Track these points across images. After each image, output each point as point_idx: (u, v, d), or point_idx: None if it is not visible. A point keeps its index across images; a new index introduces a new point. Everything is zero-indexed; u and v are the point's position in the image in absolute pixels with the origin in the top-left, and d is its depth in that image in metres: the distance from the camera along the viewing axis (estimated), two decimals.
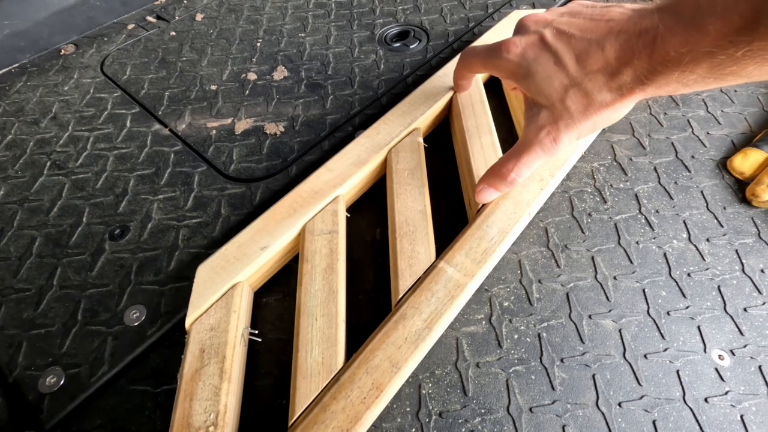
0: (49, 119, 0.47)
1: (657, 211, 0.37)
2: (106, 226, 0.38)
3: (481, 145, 0.37)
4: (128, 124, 0.46)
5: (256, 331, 0.31)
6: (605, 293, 0.32)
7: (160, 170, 0.42)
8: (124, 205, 0.39)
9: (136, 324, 0.32)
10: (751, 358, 0.30)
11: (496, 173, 0.30)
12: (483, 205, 0.33)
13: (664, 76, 0.23)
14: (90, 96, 0.49)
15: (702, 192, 0.38)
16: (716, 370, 0.29)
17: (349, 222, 0.36)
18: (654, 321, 0.31)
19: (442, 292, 0.29)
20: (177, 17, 0.60)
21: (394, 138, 0.38)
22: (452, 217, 0.36)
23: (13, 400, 0.30)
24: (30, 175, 0.42)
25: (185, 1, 0.63)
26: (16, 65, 0.54)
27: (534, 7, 0.56)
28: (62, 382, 0.30)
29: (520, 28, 0.30)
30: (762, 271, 0.33)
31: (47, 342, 0.32)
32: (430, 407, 0.28)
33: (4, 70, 0.54)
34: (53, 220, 0.38)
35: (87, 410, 0.29)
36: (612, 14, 0.25)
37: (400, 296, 0.30)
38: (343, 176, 0.35)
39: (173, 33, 0.57)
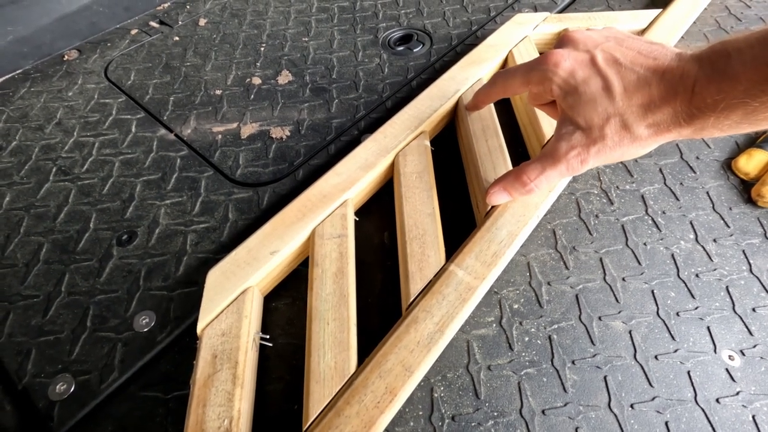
0: (54, 125, 0.47)
1: (663, 212, 0.37)
2: (113, 232, 0.38)
3: (488, 148, 0.37)
4: (133, 129, 0.46)
5: (267, 336, 0.31)
6: (614, 295, 0.32)
7: (167, 175, 0.42)
8: (131, 210, 0.39)
9: (145, 330, 0.32)
10: (761, 358, 0.30)
11: (517, 179, 0.30)
12: (492, 207, 0.34)
13: (701, 121, 0.24)
14: (94, 101, 0.49)
15: (708, 193, 0.38)
16: (727, 370, 0.29)
17: (358, 225, 0.36)
18: (664, 322, 0.31)
19: (453, 295, 0.29)
20: (180, 22, 0.60)
21: (401, 141, 0.38)
22: (460, 219, 0.36)
23: (23, 407, 0.29)
24: (36, 181, 0.42)
25: (188, 6, 0.63)
26: (20, 71, 0.54)
27: (536, 10, 0.56)
28: (72, 389, 0.30)
29: (568, 43, 0.30)
30: None
31: (56, 349, 0.31)
32: (443, 411, 0.28)
33: (7, 77, 0.54)
34: (60, 226, 0.38)
35: (97, 417, 0.29)
36: (656, 53, 0.26)
37: (411, 300, 0.30)
38: (351, 180, 0.36)
39: (177, 38, 0.57)
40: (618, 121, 0.26)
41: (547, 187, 0.32)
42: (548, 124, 0.38)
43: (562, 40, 0.31)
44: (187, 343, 0.31)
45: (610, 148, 0.27)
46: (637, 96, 0.26)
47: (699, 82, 0.24)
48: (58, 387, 0.30)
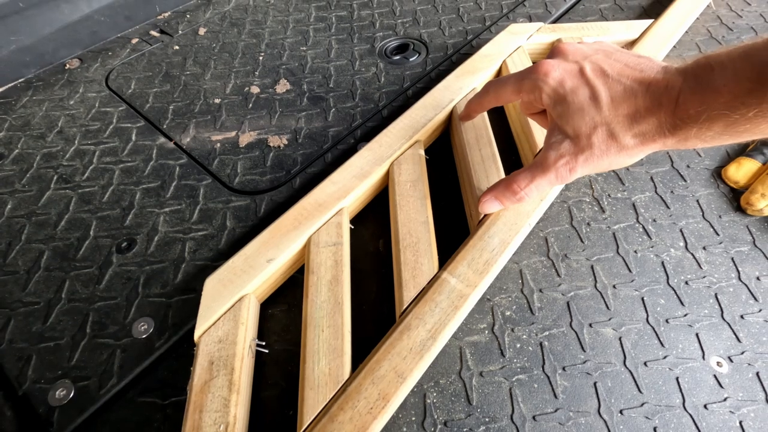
0: (56, 133, 0.48)
1: (654, 220, 0.37)
2: (113, 239, 0.38)
3: (481, 157, 0.38)
4: (134, 137, 0.47)
5: (264, 343, 0.31)
6: (605, 302, 0.33)
7: (166, 183, 0.42)
8: (130, 218, 0.40)
9: (144, 336, 0.32)
10: (749, 364, 0.30)
11: (508, 188, 0.31)
12: (484, 216, 0.34)
13: (684, 131, 0.25)
14: (95, 110, 0.50)
15: (698, 201, 0.39)
16: (715, 377, 0.30)
17: (353, 234, 0.36)
18: (653, 329, 0.32)
19: (445, 302, 0.30)
20: (180, 31, 0.61)
21: (396, 150, 0.39)
22: (454, 227, 0.37)
23: (23, 413, 0.30)
24: (37, 188, 0.43)
25: (188, 16, 0.64)
26: (22, 80, 0.55)
27: (530, 20, 0.57)
28: (72, 394, 0.30)
29: (558, 54, 0.31)
30: (758, 278, 0.34)
31: (56, 355, 0.32)
32: (435, 416, 0.28)
33: (9, 85, 0.54)
34: (60, 233, 0.39)
35: (96, 423, 0.29)
36: (643, 66, 0.27)
37: (405, 307, 0.30)
38: (346, 189, 0.36)
39: (177, 47, 0.58)
40: (605, 130, 0.27)
41: (537, 196, 0.33)
42: (541, 134, 0.39)
43: (553, 51, 0.32)
44: (185, 350, 0.32)
45: (597, 157, 0.28)
46: (624, 106, 0.26)
47: (683, 94, 0.24)
48: (57, 393, 0.30)
